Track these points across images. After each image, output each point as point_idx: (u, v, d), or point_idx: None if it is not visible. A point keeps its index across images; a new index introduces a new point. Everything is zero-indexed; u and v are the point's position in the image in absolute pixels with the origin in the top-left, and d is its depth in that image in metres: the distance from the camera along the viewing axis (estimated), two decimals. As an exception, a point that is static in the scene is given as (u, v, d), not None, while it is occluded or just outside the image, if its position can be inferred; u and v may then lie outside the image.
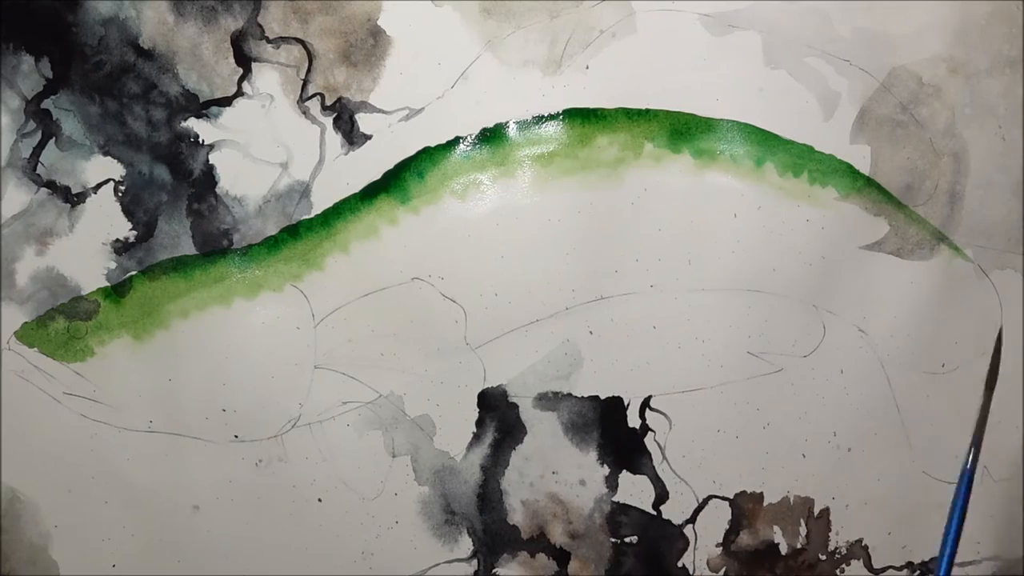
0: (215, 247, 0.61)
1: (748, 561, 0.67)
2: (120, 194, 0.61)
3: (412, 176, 0.60)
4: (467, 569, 0.66)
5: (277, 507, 0.64)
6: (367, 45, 0.59)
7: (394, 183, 0.60)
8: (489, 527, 0.65)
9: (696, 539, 0.66)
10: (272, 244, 0.61)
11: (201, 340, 0.62)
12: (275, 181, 0.61)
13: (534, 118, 0.60)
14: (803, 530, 0.67)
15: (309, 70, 0.60)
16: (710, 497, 0.66)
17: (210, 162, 0.60)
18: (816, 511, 0.67)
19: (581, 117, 0.60)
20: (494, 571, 0.66)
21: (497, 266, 0.62)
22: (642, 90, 0.61)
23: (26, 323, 0.61)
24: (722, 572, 0.67)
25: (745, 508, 0.67)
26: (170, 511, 0.64)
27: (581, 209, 0.61)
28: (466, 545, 0.66)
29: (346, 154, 0.60)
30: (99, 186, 0.61)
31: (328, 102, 0.60)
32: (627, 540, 0.66)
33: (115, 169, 0.60)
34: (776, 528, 0.67)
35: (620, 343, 0.63)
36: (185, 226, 0.61)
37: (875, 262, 0.64)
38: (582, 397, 0.64)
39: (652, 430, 0.65)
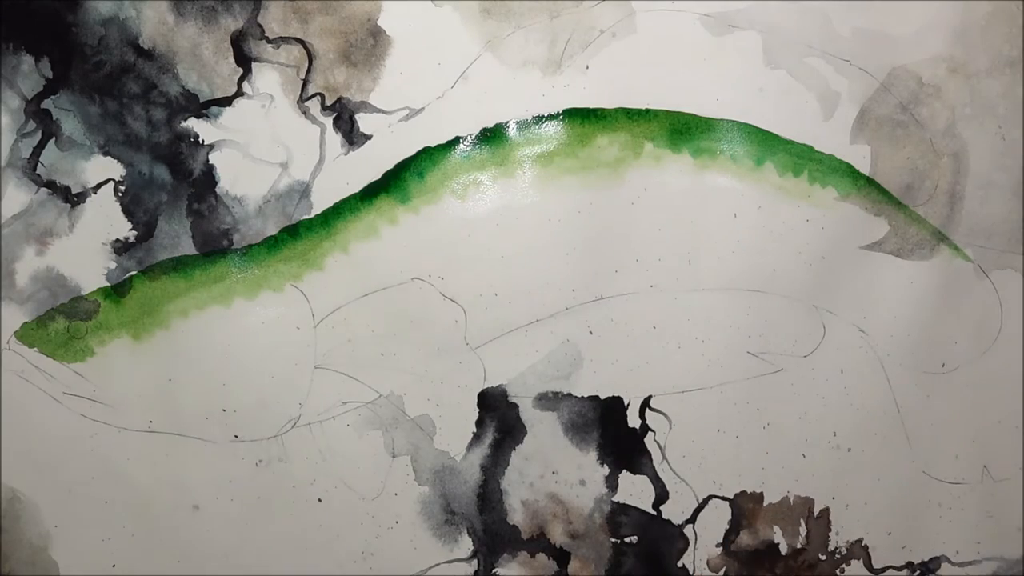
0: (215, 247, 0.61)
1: (748, 561, 0.67)
2: (120, 194, 0.61)
3: (412, 176, 0.60)
4: (467, 569, 0.66)
5: (277, 507, 0.64)
6: (367, 45, 0.59)
7: (394, 183, 0.60)
8: (489, 527, 0.65)
9: (696, 539, 0.66)
10: (272, 244, 0.61)
11: (201, 340, 0.62)
12: (275, 181, 0.61)
13: (534, 118, 0.60)
14: (803, 530, 0.67)
15: (309, 70, 0.60)
16: (710, 497, 0.66)
17: (210, 162, 0.60)
18: (816, 511, 0.67)
19: (581, 117, 0.60)
20: (494, 571, 0.66)
21: (497, 266, 0.62)
22: (642, 90, 0.61)
23: (26, 323, 0.61)
24: (722, 572, 0.67)
25: (745, 508, 0.67)
26: (170, 511, 0.64)
27: (581, 209, 0.61)
28: (466, 545, 0.66)
29: (346, 154, 0.60)
30: (99, 186, 0.61)
31: (328, 102, 0.60)
32: (627, 540, 0.66)
33: (115, 169, 0.60)
34: (776, 528, 0.67)
35: (620, 343, 0.63)
36: (185, 226, 0.61)
37: (875, 262, 0.64)
38: (582, 397, 0.64)
39: (652, 430, 0.65)
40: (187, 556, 0.64)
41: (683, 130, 0.61)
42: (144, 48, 0.59)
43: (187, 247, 0.61)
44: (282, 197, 0.61)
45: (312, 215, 0.61)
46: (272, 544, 0.65)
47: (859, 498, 0.67)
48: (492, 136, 0.60)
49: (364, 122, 0.60)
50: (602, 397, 0.64)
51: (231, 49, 0.59)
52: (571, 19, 0.60)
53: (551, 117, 0.60)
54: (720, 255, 0.63)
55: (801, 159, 0.62)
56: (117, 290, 0.61)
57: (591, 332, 0.63)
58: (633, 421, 0.65)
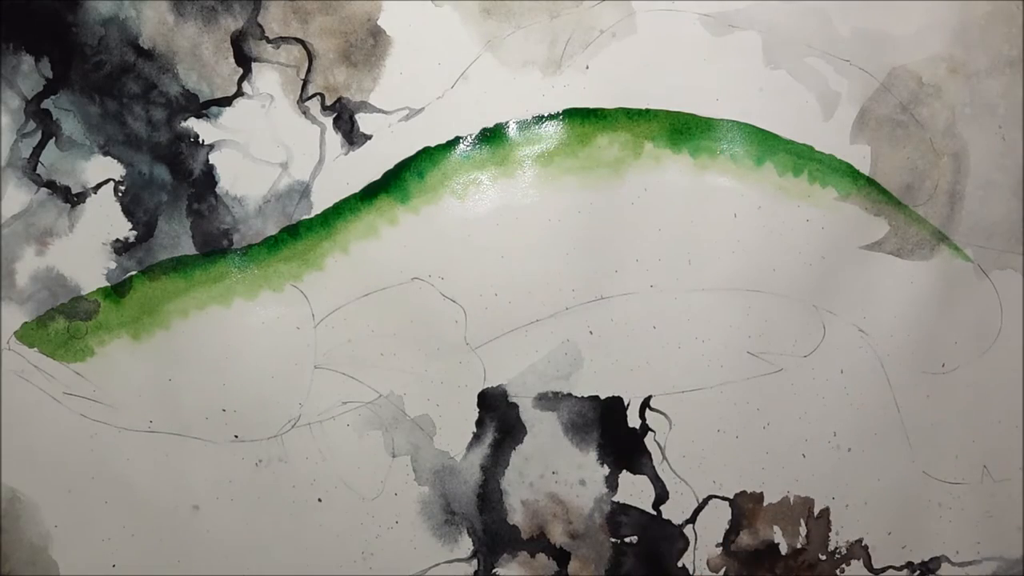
0: (215, 247, 0.61)
1: (748, 561, 0.67)
2: (120, 194, 0.61)
3: (412, 176, 0.60)
4: (467, 569, 0.66)
5: (277, 507, 0.64)
6: (367, 45, 0.59)
7: (394, 183, 0.60)
8: (489, 527, 0.65)
9: (696, 539, 0.66)
10: (272, 244, 0.61)
11: (201, 340, 0.62)
12: (275, 181, 0.61)
13: (534, 118, 0.60)
14: (803, 530, 0.67)
15: (309, 70, 0.60)
16: (710, 497, 0.66)
17: (210, 162, 0.60)
18: (816, 511, 0.67)
19: (581, 117, 0.60)
20: (494, 571, 0.66)
21: (497, 266, 0.62)
22: (642, 90, 0.61)
23: (26, 323, 0.61)
24: (722, 572, 0.67)
25: (745, 508, 0.67)
26: (170, 511, 0.64)
27: (581, 209, 0.61)
28: (466, 545, 0.66)
29: (346, 154, 0.60)
30: (99, 186, 0.61)
31: (328, 102, 0.60)
32: (627, 540, 0.66)
33: (115, 169, 0.61)
34: (776, 528, 0.67)
35: (620, 343, 0.63)
36: (185, 226, 0.61)
37: (875, 262, 0.64)
38: (582, 397, 0.64)
39: (652, 430, 0.65)
40: (187, 556, 0.64)
41: (683, 130, 0.61)
42: (144, 48, 0.59)
43: (187, 247, 0.61)
44: (282, 197, 0.61)
45: (312, 215, 0.61)
46: (272, 544, 0.65)
47: (859, 498, 0.67)
48: (492, 136, 0.60)
49: (364, 122, 0.60)
50: (602, 397, 0.64)
51: (231, 49, 0.59)
52: (571, 19, 0.60)
53: (551, 117, 0.60)
54: (720, 255, 0.63)
55: (801, 159, 0.62)
56: (117, 290, 0.61)
57: (591, 332, 0.63)
58: (633, 421, 0.65)
